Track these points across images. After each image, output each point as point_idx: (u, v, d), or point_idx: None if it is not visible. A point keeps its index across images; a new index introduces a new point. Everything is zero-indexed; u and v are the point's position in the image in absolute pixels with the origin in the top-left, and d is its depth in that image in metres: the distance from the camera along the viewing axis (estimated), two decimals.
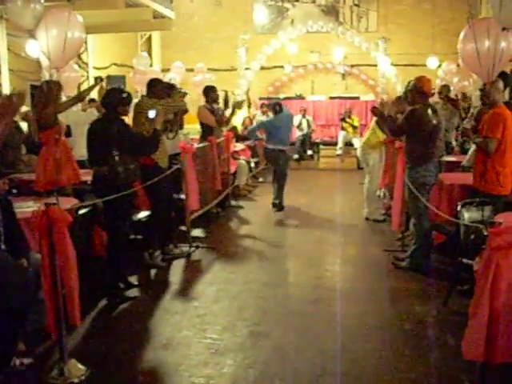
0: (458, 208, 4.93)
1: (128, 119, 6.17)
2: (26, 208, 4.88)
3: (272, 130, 9.84)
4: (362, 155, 9.04)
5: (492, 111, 5.39)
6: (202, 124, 9.13)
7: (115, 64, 16.40)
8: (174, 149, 7.38)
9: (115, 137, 5.36)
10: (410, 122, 6.14)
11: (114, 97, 5.50)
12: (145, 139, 5.75)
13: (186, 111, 7.59)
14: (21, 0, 5.27)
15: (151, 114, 5.81)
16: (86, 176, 6.41)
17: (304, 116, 16.48)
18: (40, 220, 3.86)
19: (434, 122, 6.11)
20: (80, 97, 7.45)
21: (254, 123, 14.86)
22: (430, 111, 6.10)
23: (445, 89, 8.64)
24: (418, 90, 6.21)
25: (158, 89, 6.76)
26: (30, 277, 3.78)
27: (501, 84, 5.40)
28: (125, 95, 5.55)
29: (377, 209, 8.95)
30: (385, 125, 7.08)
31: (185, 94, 7.29)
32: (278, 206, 9.84)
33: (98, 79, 7.90)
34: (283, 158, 9.90)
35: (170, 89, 7.19)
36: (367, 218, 8.82)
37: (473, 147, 7.71)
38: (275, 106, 10.00)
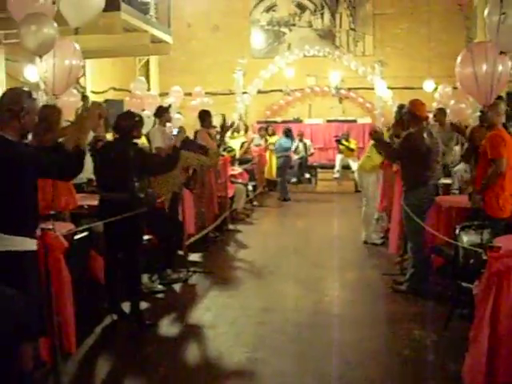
0: (457, 231, 4.91)
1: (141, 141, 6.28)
2: None
3: None
4: (359, 178, 9.05)
5: (491, 133, 5.38)
6: (200, 147, 9.12)
7: (113, 88, 16.45)
8: None
9: (133, 162, 5.36)
10: (405, 146, 6.17)
11: (129, 121, 5.47)
12: (163, 158, 5.75)
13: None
14: (34, 24, 5.25)
15: (175, 131, 5.88)
16: (84, 200, 6.39)
17: (301, 140, 16.49)
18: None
19: (430, 145, 6.13)
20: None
21: (253, 146, 14.95)
22: (425, 135, 6.11)
23: (441, 112, 8.63)
24: (412, 114, 6.25)
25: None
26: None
27: (501, 107, 5.41)
28: (137, 119, 5.55)
29: (375, 232, 8.87)
30: (383, 149, 7.08)
31: (219, 154, 7.57)
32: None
33: (84, 97, 7.90)
34: None
35: (204, 148, 7.70)
36: (365, 242, 8.74)
37: (458, 167, 7.80)
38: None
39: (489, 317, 3.46)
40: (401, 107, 8.56)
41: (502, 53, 4.51)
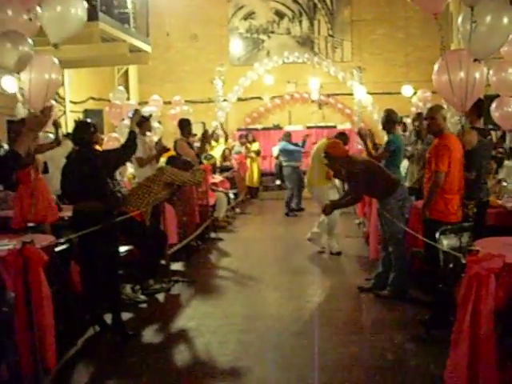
0: (437, 235, 4.94)
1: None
2: (1, 246, 4.79)
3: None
4: (313, 194, 8.99)
5: (436, 142, 5.39)
6: (179, 156, 9.11)
7: (92, 98, 16.38)
8: None
9: (103, 167, 5.37)
10: (356, 181, 6.38)
11: (87, 133, 5.48)
12: (123, 147, 5.74)
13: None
14: (9, 42, 5.22)
15: (130, 113, 5.89)
16: (64, 212, 6.36)
17: None
18: (15, 259, 3.80)
19: (366, 160, 6.54)
20: (58, 141, 7.40)
21: (234, 154, 14.96)
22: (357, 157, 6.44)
23: (419, 117, 8.69)
24: (332, 157, 6.51)
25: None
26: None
27: (444, 112, 5.44)
28: (92, 128, 5.56)
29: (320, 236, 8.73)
30: (345, 206, 7.14)
31: (203, 172, 7.92)
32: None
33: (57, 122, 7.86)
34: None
35: (189, 165, 7.75)
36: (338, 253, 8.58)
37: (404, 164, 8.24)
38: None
39: (469, 320, 3.48)
40: (419, 115, 8.70)
41: (475, 60, 4.55)
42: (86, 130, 5.50)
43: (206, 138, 10.10)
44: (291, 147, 13.07)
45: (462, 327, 3.51)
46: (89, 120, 5.99)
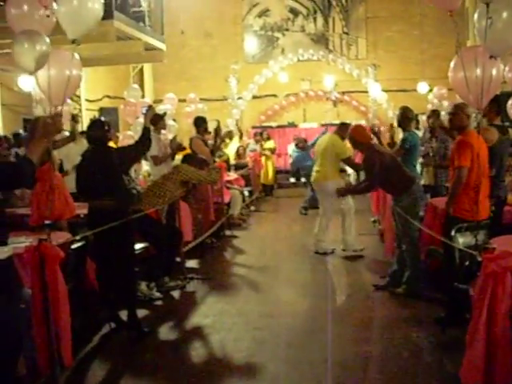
0: (452, 233, 4.92)
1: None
2: (18, 243, 4.83)
3: None
4: (320, 193, 8.70)
5: (459, 139, 5.36)
6: (195, 154, 9.13)
7: (108, 96, 16.49)
8: None
9: (117, 164, 5.41)
10: (371, 170, 6.34)
11: (101, 131, 5.52)
12: (137, 143, 5.77)
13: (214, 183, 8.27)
14: (27, 41, 5.24)
15: (144, 109, 5.92)
16: (80, 209, 6.39)
17: (297, 144, 16.50)
18: (32, 256, 3.83)
19: (388, 154, 6.51)
20: (73, 136, 7.46)
21: (248, 152, 14.97)
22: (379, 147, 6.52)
23: (434, 114, 8.64)
24: (355, 141, 6.53)
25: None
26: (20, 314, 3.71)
27: (468, 110, 5.40)
28: (107, 127, 5.59)
29: (323, 241, 8.54)
30: (357, 193, 7.17)
31: (220, 171, 7.96)
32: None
33: (76, 117, 7.93)
34: None
35: (205, 163, 7.83)
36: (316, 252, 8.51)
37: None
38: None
39: (485, 318, 3.47)
40: (433, 112, 8.67)
41: (491, 57, 4.51)
42: (101, 128, 5.54)
43: (219, 133, 10.14)
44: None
45: (477, 326, 3.50)
46: (103, 118, 6.03)
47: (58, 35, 5.77)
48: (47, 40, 5.31)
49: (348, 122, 9.31)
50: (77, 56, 5.75)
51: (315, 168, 8.62)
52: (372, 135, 7.23)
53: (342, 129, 8.37)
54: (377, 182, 6.55)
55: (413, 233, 6.16)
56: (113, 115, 15.20)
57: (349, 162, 8.51)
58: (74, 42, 5.35)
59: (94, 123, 5.74)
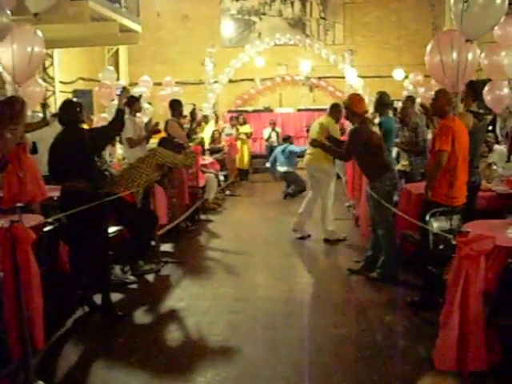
0: (427, 217, 4.94)
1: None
2: None
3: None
4: (311, 177, 8.43)
5: (441, 123, 5.39)
6: (170, 137, 9.05)
7: (82, 78, 16.25)
8: None
9: (90, 145, 5.34)
10: (356, 142, 6.23)
11: (73, 112, 5.43)
12: (110, 124, 5.71)
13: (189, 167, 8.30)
14: None
15: (118, 91, 5.86)
16: (53, 192, 6.31)
17: (273, 129, 16.51)
18: (3, 237, 3.77)
19: (377, 134, 6.36)
20: (46, 121, 7.33)
21: (224, 136, 14.91)
22: (372, 126, 6.36)
23: (409, 100, 8.66)
24: (350, 111, 6.37)
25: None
26: None
27: (450, 96, 5.43)
28: (79, 108, 5.50)
29: (333, 228, 8.38)
30: (331, 154, 7.09)
31: (196, 155, 8.07)
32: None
33: (45, 104, 7.79)
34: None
35: (181, 147, 7.74)
36: (326, 240, 8.28)
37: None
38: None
39: (459, 301, 3.49)
40: (408, 98, 8.65)
41: (468, 41, 4.53)
42: (72, 110, 5.44)
43: (194, 116, 10.08)
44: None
45: (451, 308, 3.53)
46: (75, 99, 5.94)
47: (27, 15, 5.68)
48: (8, 12, 5.20)
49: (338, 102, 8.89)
50: (39, 33, 5.66)
51: (308, 151, 8.40)
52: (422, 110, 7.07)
53: (335, 111, 8.22)
54: (354, 155, 6.51)
55: (388, 218, 6.18)
56: (87, 97, 15.01)
57: (335, 142, 8.04)
58: (35, 15, 5.25)
59: (66, 104, 5.64)
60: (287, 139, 12.71)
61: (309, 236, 8.48)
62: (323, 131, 7.84)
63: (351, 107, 6.40)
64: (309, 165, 8.36)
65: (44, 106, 7.20)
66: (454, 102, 5.42)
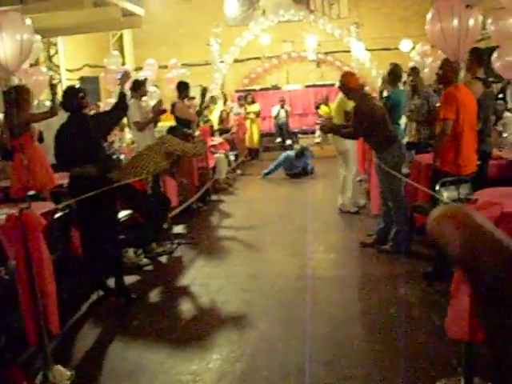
0: (437, 187, 4.91)
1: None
2: (0, 215, 4.79)
3: None
4: (334, 144, 8.58)
5: (445, 92, 5.36)
6: (178, 119, 9.05)
7: (88, 65, 16.25)
8: None
9: (95, 130, 5.35)
10: (360, 119, 6.19)
11: (76, 98, 5.41)
12: (114, 108, 5.74)
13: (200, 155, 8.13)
14: None
15: (119, 75, 5.88)
16: (63, 179, 6.34)
17: (282, 106, 16.44)
18: (13, 225, 3.80)
19: (380, 106, 6.35)
20: (53, 111, 7.33)
21: (233, 115, 14.88)
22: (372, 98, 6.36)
23: (414, 71, 8.56)
24: (346, 88, 6.32)
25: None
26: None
27: (455, 65, 5.38)
28: (81, 94, 5.49)
29: (351, 199, 8.57)
30: (340, 135, 7.06)
31: (206, 143, 7.97)
32: None
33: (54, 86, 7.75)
34: None
35: (190, 136, 7.67)
36: (340, 210, 8.48)
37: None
38: None
39: None
40: (413, 69, 8.58)
41: (468, 6, 4.46)
42: (75, 96, 5.43)
43: (205, 95, 10.07)
44: None
45: (461, 277, 3.51)
46: (77, 85, 5.95)
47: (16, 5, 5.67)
48: None
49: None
50: (28, 21, 5.64)
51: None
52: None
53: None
54: (361, 130, 6.49)
55: (398, 189, 6.16)
56: (94, 84, 15.01)
57: (347, 116, 7.74)
58: (21, 2, 5.25)
59: (69, 91, 5.63)
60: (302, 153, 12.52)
61: (357, 212, 8.44)
62: (340, 110, 7.99)
63: (346, 84, 6.36)
64: (335, 141, 8.38)
65: (53, 89, 7.16)
66: (458, 70, 5.37)
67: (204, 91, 10.01)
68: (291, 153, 12.29)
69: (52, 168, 6.48)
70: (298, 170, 12.12)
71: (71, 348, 4.51)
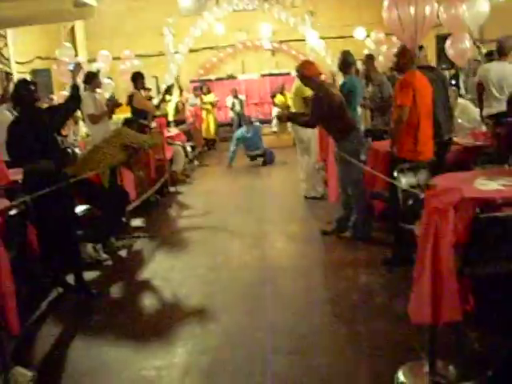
0: (395, 174, 4.95)
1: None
2: None
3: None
4: (295, 133, 8.77)
5: (401, 78, 5.40)
6: (135, 110, 8.93)
7: (39, 57, 15.88)
8: None
9: (49, 124, 5.24)
10: (319, 107, 6.19)
11: (27, 92, 5.26)
12: (67, 101, 5.62)
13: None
14: None
15: (71, 66, 5.79)
16: (17, 175, 6.19)
17: (236, 97, 16.39)
18: None
19: (338, 94, 6.37)
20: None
21: (189, 106, 14.76)
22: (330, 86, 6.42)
23: (368, 58, 8.62)
24: (304, 77, 6.33)
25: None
26: None
27: (411, 51, 5.41)
28: (32, 87, 5.34)
29: (317, 184, 8.76)
30: (297, 123, 7.07)
31: (161, 135, 8.33)
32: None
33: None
34: None
35: (147, 128, 7.77)
36: (305, 197, 8.64)
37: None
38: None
39: (430, 254, 3.51)
40: (368, 57, 8.63)
41: None
42: (27, 89, 5.29)
43: (171, 91, 10.05)
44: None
45: (423, 262, 3.54)
46: (28, 78, 5.80)
47: None
48: None
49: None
50: None
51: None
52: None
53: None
54: (318, 120, 6.49)
55: (357, 176, 6.19)
56: (46, 76, 14.68)
57: (306, 102, 7.88)
58: None
59: (19, 84, 5.48)
60: (250, 121, 12.66)
61: (322, 197, 8.53)
62: (298, 97, 8.10)
63: (304, 72, 6.36)
64: (296, 130, 8.48)
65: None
66: (414, 57, 5.41)
67: (170, 88, 9.94)
68: (242, 128, 12.54)
69: (5, 164, 6.31)
70: (257, 150, 12.45)
71: (32, 348, 4.42)
